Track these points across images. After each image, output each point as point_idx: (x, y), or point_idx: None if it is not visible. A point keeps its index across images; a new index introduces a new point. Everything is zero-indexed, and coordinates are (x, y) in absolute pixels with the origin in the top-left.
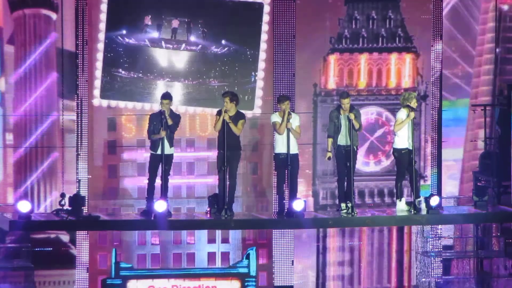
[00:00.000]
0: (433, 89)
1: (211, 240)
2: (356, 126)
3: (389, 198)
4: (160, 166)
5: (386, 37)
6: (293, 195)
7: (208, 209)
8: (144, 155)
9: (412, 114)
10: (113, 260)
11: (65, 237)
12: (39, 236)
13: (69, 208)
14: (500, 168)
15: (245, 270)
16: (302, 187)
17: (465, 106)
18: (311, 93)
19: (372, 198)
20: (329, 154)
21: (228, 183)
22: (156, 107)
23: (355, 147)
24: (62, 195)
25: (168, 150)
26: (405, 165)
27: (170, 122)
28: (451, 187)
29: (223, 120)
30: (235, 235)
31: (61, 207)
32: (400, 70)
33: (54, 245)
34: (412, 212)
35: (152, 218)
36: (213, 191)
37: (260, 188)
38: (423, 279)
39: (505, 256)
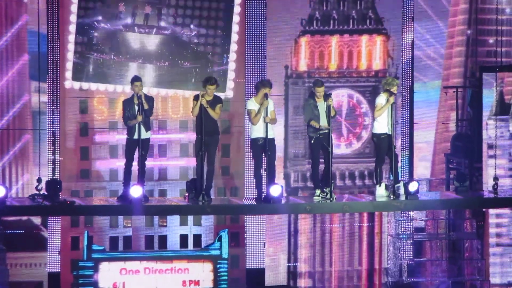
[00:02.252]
0: (405, 71)
1: (183, 223)
2: (333, 113)
3: (360, 181)
4: (136, 150)
5: (357, 19)
6: (271, 180)
7: (187, 194)
8: (116, 137)
9: (392, 99)
10: (85, 243)
11: (36, 220)
12: (10, 219)
13: (45, 193)
14: (472, 150)
15: (217, 252)
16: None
17: (437, 88)
18: (282, 75)
19: (343, 180)
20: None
21: (206, 168)
22: (128, 89)
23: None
24: (39, 180)
25: (144, 134)
26: (384, 150)
27: (146, 106)
28: (422, 169)
29: (201, 104)
30: (207, 217)
31: (37, 192)
32: (371, 52)
33: (26, 228)
34: (391, 198)
35: (129, 203)
36: (185, 174)
37: (231, 171)
38: (395, 262)
39: (477, 238)
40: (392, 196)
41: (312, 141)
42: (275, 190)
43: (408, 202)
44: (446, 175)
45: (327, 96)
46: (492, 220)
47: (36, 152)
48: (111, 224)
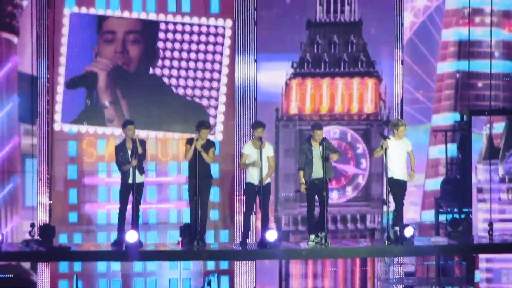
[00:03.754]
0: (395, 114)
1: (173, 266)
2: (335, 158)
3: (352, 225)
4: (130, 195)
5: (348, 61)
6: (265, 225)
7: (180, 239)
8: (105, 180)
9: (386, 143)
10: (75, 287)
11: (26, 264)
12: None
13: (39, 238)
14: (461, 193)
15: None
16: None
17: (426, 131)
18: (273, 119)
19: (335, 224)
20: (304, 186)
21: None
22: (117, 132)
23: (328, 178)
24: (32, 225)
25: (139, 178)
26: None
27: (140, 150)
28: (412, 213)
29: (195, 148)
30: (197, 261)
31: (31, 237)
32: (362, 94)
33: (15, 272)
34: (386, 243)
35: (124, 249)
36: (174, 217)
37: (222, 214)
38: None
39: (467, 283)
40: (387, 241)
41: (305, 188)
42: (271, 235)
43: (405, 248)
44: (435, 219)
45: (323, 140)
46: (482, 265)
47: (26, 196)
48: (100, 268)
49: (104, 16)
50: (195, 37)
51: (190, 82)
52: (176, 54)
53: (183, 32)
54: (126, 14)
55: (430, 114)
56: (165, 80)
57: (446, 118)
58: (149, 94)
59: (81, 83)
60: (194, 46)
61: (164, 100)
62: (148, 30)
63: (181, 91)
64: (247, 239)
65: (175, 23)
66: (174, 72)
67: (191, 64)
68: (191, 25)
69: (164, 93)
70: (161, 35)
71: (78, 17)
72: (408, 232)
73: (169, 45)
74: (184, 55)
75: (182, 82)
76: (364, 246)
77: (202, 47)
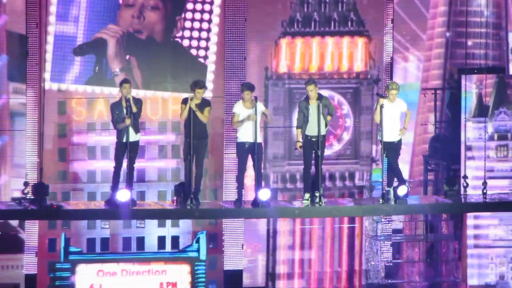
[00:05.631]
0: (385, 72)
1: (161, 224)
2: (329, 118)
3: (341, 182)
4: (125, 153)
5: (338, 21)
6: (259, 184)
7: (175, 197)
8: (94, 139)
9: (381, 101)
10: (62, 245)
11: (13, 221)
12: None
13: (32, 197)
14: (450, 151)
15: (195, 254)
16: (252, 171)
17: (415, 89)
18: (262, 77)
19: (323, 182)
20: (300, 143)
21: (194, 171)
22: (106, 90)
23: (325, 133)
24: (25, 184)
25: (134, 137)
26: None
27: (134, 109)
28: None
29: (190, 108)
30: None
31: (23, 196)
32: (352, 54)
33: (3, 229)
34: (380, 202)
35: (116, 207)
36: (163, 175)
37: (211, 172)
38: (373, 263)
39: (455, 240)
40: (381, 200)
41: (300, 147)
42: (264, 194)
43: (397, 206)
44: (424, 177)
45: (321, 98)
46: (470, 222)
47: (14, 154)
48: (89, 225)
49: None
50: None
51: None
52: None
53: None
54: None
55: (421, 72)
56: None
57: (435, 77)
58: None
59: (90, 50)
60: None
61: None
62: None
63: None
64: (242, 198)
65: None
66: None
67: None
68: None
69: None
70: None
71: None
72: (402, 191)
73: None
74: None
75: (194, 42)
76: (358, 205)
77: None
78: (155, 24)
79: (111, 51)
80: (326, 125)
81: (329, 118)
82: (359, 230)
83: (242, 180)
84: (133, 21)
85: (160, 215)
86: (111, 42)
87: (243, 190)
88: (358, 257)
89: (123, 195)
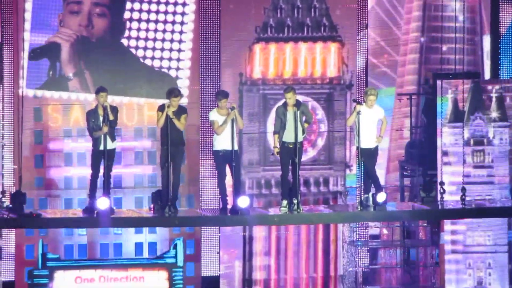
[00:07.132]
0: (359, 78)
1: (138, 231)
2: (307, 125)
3: (315, 188)
4: (102, 161)
5: (311, 26)
6: (237, 191)
7: (152, 205)
8: (70, 145)
9: (358, 107)
10: (40, 251)
11: None
12: None
13: (10, 205)
14: (426, 157)
15: (172, 261)
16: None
17: (391, 95)
18: (237, 82)
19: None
20: (277, 149)
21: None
22: (82, 96)
23: (302, 140)
24: (3, 193)
25: (110, 145)
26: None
27: (111, 117)
28: None
29: (167, 115)
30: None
31: (0, 204)
32: (325, 59)
33: None
34: (359, 209)
35: (95, 216)
36: (140, 182)
37: (186, 178)
38: (350, 269)
39: (431, 245)
40: (359, 207)
41: (277, 153)
42: (243, 202)
43: (377, 213)
44: (400, 183)
45: (299, 105)
46: (447, 227)
47: None
48: (66, 232)
49: None
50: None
51: (157, 53)
52: (144, 17)
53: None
54: None
55: (395, 78)
56: (132, 50)
57: (410, 82)
58: (114, 64)
59: (44, 54)
60: (162, 7)
61: (130, 69)
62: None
63: (148, 62)
64: (227, 205)
65: None
66: (141, 42)
67: (159, 35)
68: None
69: (131, 62)
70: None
71: None
72: (381, 197)
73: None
74: (152, 21)
75: (149, 52)
76: (337, 212)
77: (164, 7)
78: (104, 30)
79: (65, 55)
80: (303, 132)
81: (306, 125)
82: (334, 235)
83: (224, 187)
84: (80, 29)
85: (140, 223)
86: (64, 46)
87: (227, 197)
88: (334, 263)
89: (102, 203)
